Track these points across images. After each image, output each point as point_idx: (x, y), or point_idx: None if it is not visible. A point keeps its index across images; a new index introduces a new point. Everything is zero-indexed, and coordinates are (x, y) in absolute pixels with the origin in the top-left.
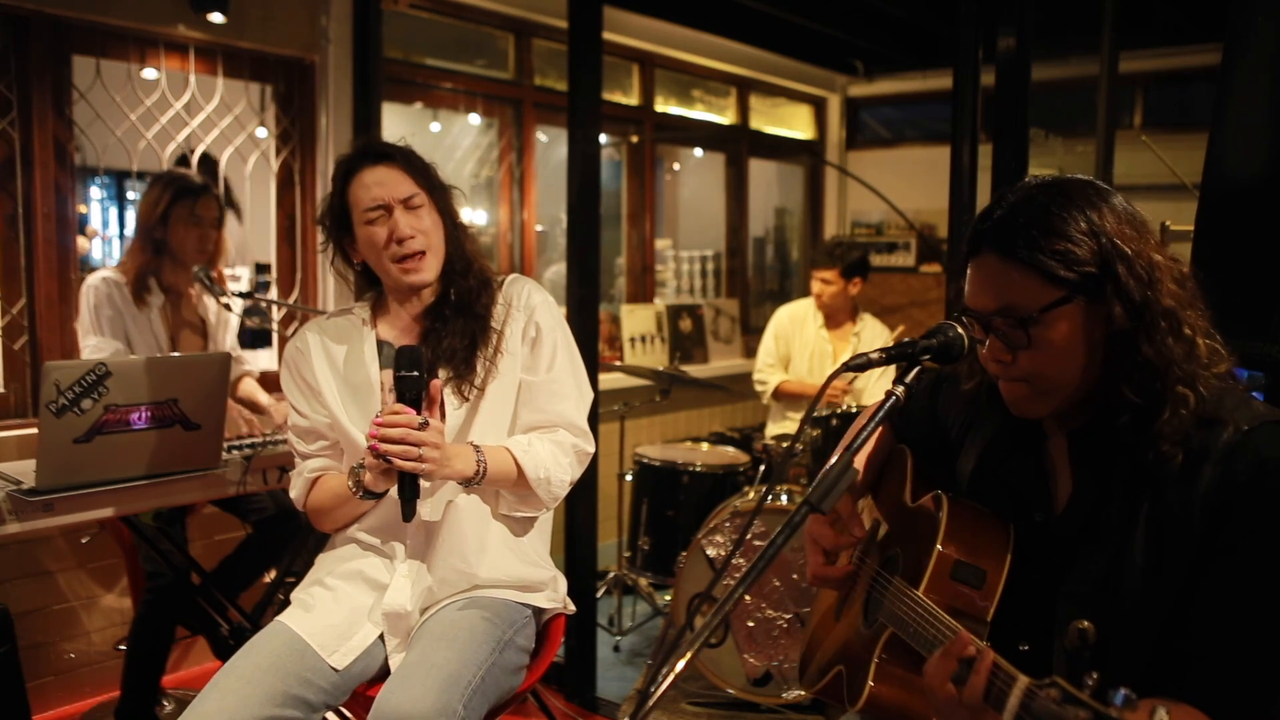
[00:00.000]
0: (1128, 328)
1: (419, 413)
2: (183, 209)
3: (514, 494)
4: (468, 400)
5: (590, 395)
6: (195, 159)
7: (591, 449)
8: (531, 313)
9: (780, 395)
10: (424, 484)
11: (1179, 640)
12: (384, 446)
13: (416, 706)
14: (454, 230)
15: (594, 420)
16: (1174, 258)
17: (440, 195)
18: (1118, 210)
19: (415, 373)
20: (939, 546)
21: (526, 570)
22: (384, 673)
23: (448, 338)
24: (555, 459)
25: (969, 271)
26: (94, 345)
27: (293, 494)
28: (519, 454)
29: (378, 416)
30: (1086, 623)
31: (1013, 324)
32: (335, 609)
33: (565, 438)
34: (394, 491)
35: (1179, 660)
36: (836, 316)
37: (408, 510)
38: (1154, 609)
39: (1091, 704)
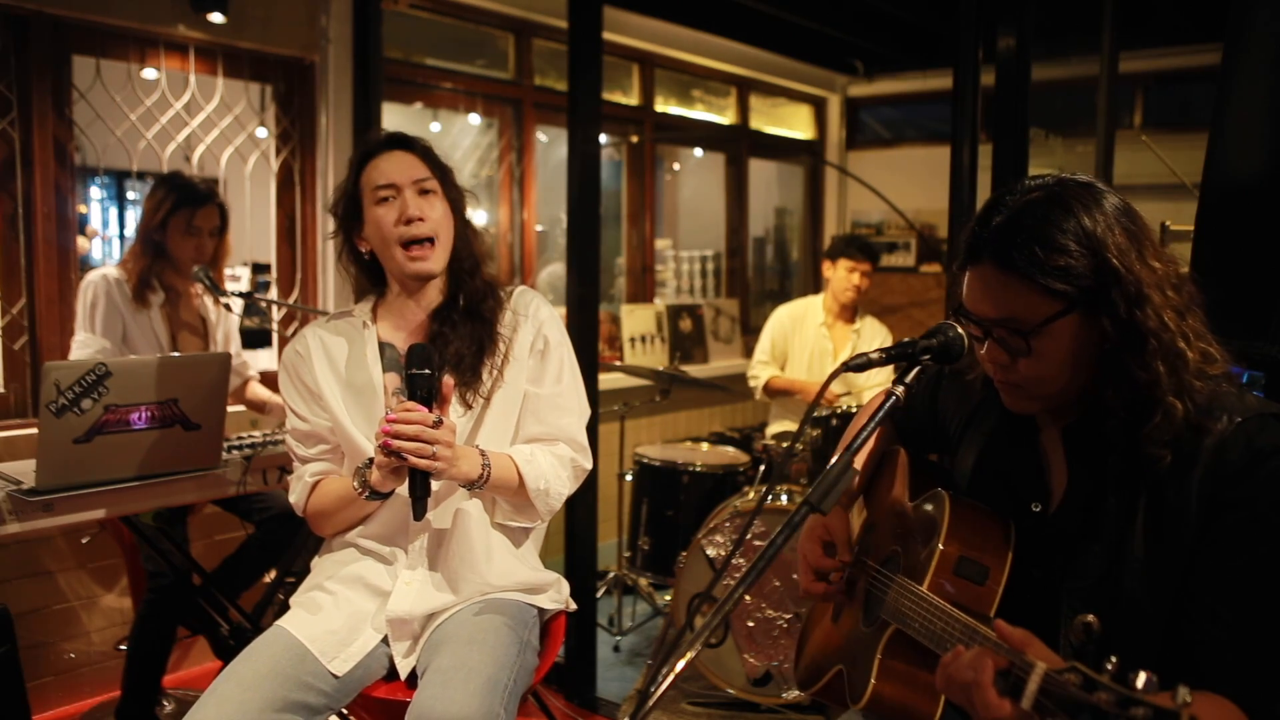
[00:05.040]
0: (1117, 344)
1: (430, 410)
2: (180, 219)
3: (510, 503)
4: (471, 408)
5: (589, 413)
6: (195, 159)
7: (589, 465)
8: (540, 325)
9: (770, 391)
10: (433, 485)
11: (1186, 629)
12: (397, 443)
13: (463, 710)
14: (464, 229)
15: (593, 432)
16: (1171, 259)
17: (453, 190)
18: (1113, 217)
19: (427, 370)
20: (941, 543)
21: (531, 574)
22: (390, 676)
23: (455, 342)
24: (555, 472)
25: (968, 276)
26: (81, 341)
27: (292, 499)
28: (521, 463)
29: (390, 413)
30: (1091, 616)
31: (1013, 333)
32: (336, 614)
33: (565, 451)
34: (402, 490)
35: (1188, 650)
36: (848, 312)
37: (419, 508)
38: (1157, 600)
39: (1113, 686)
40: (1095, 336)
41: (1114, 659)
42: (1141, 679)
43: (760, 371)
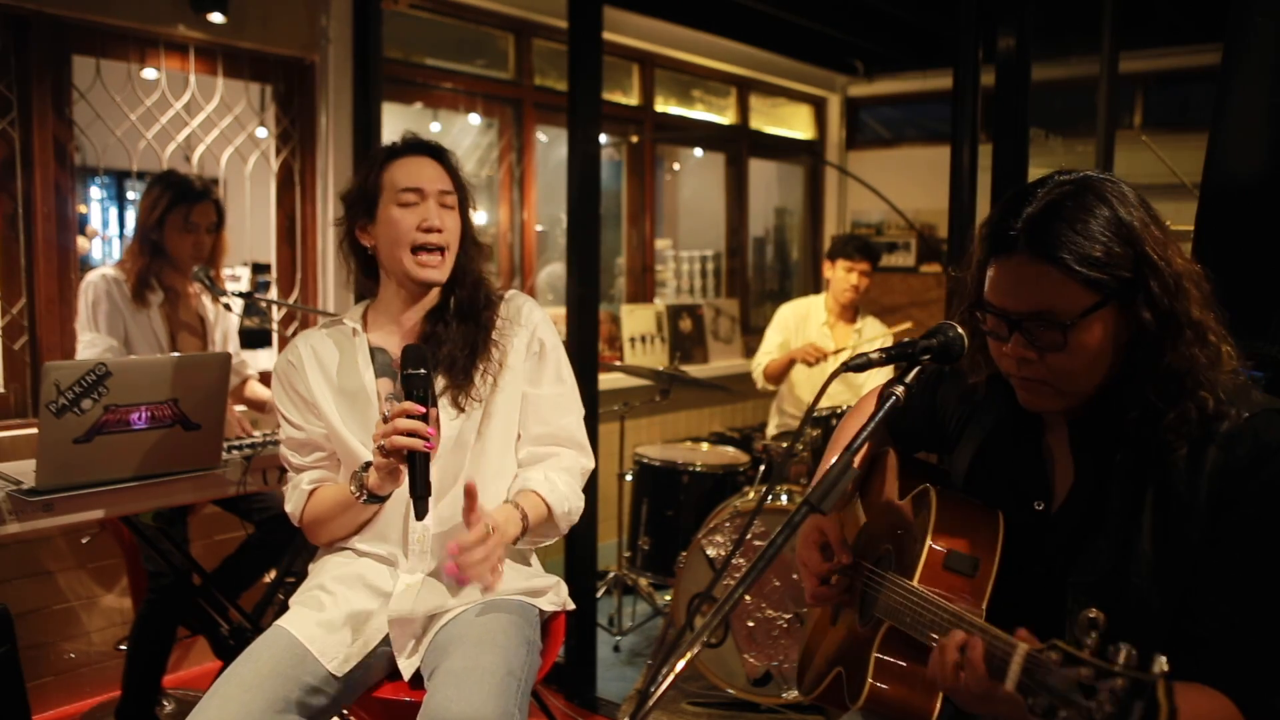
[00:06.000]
0: (1155, 334)
1: (427, 409)
2: (177, 216)
3: (537, 532)
4: (464, 411)
5: (584, 411)
6: (195, 159)
7: (592, 464)
8: (534, 328)
9: (770, 374)
10: (432, 481)
11: (1189, 624)
12: (397, 439)
13: (480, 711)
14: (469, 244)
15: (593, 432)
16: (1192, 260)
17: (467, 206)
18: (1143, 211)
19: (422, 370)
20: (930, 538)
21: (531, 577)
22: (392, 676)
23: (447, 344)
24: (572, 489)
25: (994, 270)
26: (88, 341)
27: (288, 508)
28: (545, 494)
29: (384, 418)
30: (1096, 611)
31: (1047, 327)
32: (336, 614)
33: (572, 461)
34: (401, 492)
35: (1192, 645)
36: (849, 311)
37: (420, 508)
38: (1164, 595)
39: (1093, 661)
40: (1127, 329)
41: (1094, 634)
42: (1123, 653)
43: (761, 359)
